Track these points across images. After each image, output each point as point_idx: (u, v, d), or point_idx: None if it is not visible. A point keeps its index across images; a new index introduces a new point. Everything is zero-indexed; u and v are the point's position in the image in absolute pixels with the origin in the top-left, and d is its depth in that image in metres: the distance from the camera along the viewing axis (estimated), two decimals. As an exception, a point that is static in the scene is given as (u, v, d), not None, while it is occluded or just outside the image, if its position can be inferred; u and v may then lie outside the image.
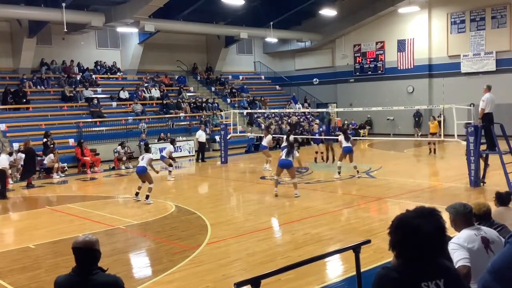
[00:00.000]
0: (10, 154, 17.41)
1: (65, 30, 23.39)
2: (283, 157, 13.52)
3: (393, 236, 2.57)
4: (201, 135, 22.91)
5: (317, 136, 21.40)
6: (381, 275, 2.57)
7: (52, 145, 20.22)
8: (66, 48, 28.29)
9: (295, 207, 12.39)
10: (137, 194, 13.79)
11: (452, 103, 17.68)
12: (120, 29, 27.73)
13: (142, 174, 13.65)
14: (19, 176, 18.70)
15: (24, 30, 25.08)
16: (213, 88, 32.90)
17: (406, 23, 31.48)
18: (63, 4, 22.96)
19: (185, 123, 27.63)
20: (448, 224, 4.10)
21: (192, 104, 29.37)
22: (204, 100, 30.23)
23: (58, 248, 9.23)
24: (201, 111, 29.17)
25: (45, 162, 19.19)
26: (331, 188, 15.03)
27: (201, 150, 22.99)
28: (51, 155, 19.42)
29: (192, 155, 24.31)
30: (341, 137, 16.77)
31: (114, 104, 27.04)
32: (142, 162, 13.70)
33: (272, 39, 33.47)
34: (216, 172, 19.86)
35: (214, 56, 34.55)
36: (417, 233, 2.48)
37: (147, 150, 14.54)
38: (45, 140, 20.29)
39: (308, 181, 16.08)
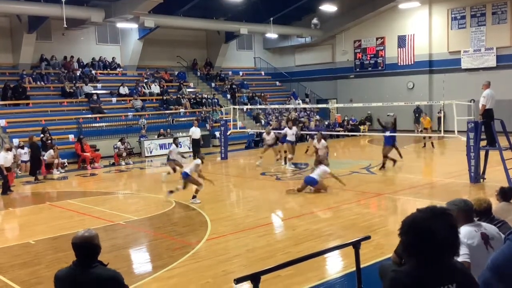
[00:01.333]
0: (9, 150, 17.22)
1: (65, 25, 23.35)
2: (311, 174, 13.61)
3: (406, 239, 2.48)
4: (194, 132, 21.95)
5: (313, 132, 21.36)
6: (392, 280, 2.49)
7: (49, 141, 20.21)
8: (66, 44, 28.25)
9: (294, 203, 12.40)
10: (171, 191, 13.06)
11: (453, 99, 17.66)
12: (120, 25, 27.66)
13: (185, 178, 12.95)
14: (20, 172, 18.72)
15: (23, 25, 25.03)
16: (213, 84, 32.87)
17: (406, 19, 31.43)
18: (63, 0, 22.91)
19: (185, 119, 27.61)
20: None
21: (192, 100, 29.35)
22: (204, 96, 30.22)
23: (58, 244, 9.24)
24: (201, 107, 29.15)
25: (45, 158, 19.20)
26: (330, 184, 15.00)
27: (196, 147, 21.88)
28: (51, 151, 19.42)
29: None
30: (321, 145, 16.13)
31: (114, 100, 27.02)
32: (187, 168, 13.12)
33: (272, 35, 33.41)
34: (216, 168, 19.84)
35: (214, 52, 34.48)
36: (432, 236, 2.41)
37: (197, 156, 13.89)
38: (41, 136, 20.27)
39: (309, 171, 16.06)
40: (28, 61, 26.22)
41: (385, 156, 17.03)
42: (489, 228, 4.10)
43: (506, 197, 6.21)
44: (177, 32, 31.56)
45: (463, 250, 3.81)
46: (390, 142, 17.20)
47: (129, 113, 25.84)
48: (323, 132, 19.27)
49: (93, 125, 24.07)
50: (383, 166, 16.97)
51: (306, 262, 4.94)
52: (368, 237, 5.30)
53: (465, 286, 2.52)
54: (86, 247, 3.63)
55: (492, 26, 28.16)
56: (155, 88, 28.92)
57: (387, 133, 17.38)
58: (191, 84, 32.02)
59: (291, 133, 18.70)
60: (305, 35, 35.23)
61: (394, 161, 17.15)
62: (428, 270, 2.44)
